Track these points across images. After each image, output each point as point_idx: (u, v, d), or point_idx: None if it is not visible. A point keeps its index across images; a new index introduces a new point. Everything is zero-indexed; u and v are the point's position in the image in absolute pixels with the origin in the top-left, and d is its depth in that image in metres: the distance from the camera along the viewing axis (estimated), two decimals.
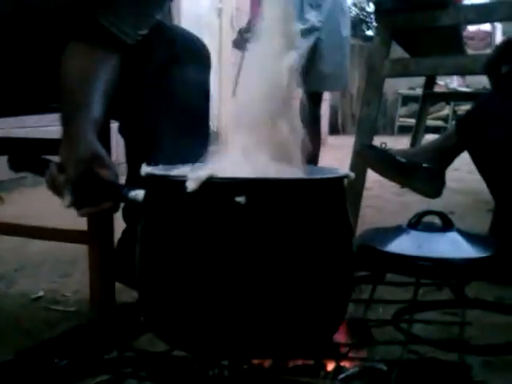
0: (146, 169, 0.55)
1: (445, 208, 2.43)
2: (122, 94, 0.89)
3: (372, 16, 9.16)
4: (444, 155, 1.42)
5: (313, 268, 0.48)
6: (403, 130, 8.55)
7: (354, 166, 1.74)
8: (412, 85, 8.60)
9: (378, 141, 1.85)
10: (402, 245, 0.66)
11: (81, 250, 1.29)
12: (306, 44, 2.11)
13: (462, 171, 3.39)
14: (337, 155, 4.99)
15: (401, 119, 9.17)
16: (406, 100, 9.01)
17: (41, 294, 1.20)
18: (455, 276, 0.64)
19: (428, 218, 0.77)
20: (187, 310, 0.50)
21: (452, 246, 0.65)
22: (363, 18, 9.15)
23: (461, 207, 2.59)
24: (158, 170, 0.54)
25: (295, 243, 0.47)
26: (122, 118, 1.04)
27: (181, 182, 0.47)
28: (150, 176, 0.54)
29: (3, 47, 0.99)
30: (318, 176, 0.51)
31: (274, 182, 0.47)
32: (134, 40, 0.92)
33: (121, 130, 1.06)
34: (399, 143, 5.69)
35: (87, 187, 0.66)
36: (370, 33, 9.31)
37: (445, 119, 8.66)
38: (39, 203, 2.31)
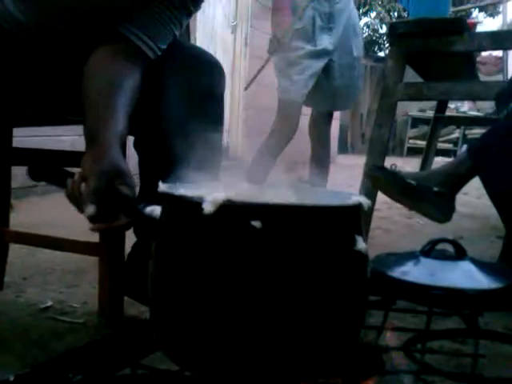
0: (163, 187, 0.56)
1: (454, 233, 2.43)
2: (139, 109, 0.91)
3: (384, 37, 9.23)
4: (455, 180, 1.42)
5: (327, 294, 0.48)
6: (412, 151, 8.55)
7: (364, 188, 1.75)
8: (422, 107, 8.62)
9: (387, 162, 1.86)
10: (415, 272, 0.66)
11: (89, 260, 1.30)
12: (317, 65, 2.13)
13: (471, 196, 3.38)
14: (346, 175, 4.99)
15: (410, 141, 9.18)
16: (416, 122, 9.02)
17: (49, 303, 1.20)
18: (468, 306, 0.64)
19: (441, 245, 0.77)
20: (198, 331, 0.50)
21: (465, 276, 0.65)
22: (375, 39, 9.21)
23: (470, 232, 2.58)
24: (176, 189, 0.54)
25: (310, 269, 0.47)
26: (137, 133, 1.05)
27: (198, 203, 0.48)
28: (167, 195, 0.54)
29: (22, 60, 1.01)
30: (335, 203, 0.51)
31: (289, 207, 0.47)
32: (155, 54, 0.94)
33: (136, 145, 1.08)
34: (408, 165, 5.69)
35: (106, 202, 0.67)
36: (381, 54, 9.38)
37: (455, 142, 8.66)
38: (49, 211, 2.33)
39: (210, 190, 0.52)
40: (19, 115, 1.13)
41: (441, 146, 7.00)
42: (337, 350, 0.51)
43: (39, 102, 1.07)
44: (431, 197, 1.41)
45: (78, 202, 0.69)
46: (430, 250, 0.72)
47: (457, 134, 8.60)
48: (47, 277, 1.45)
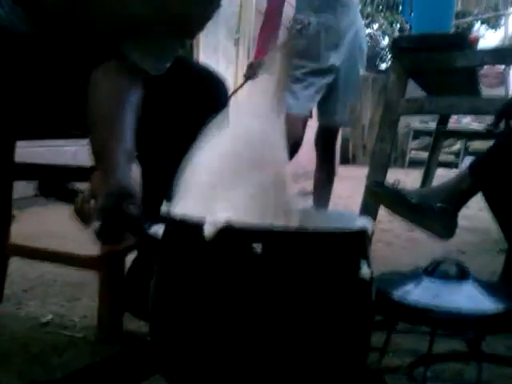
0: (165, 207, 0.55)
1: (456, 247, 2.42)
2: (142, 126, 0.91)
3: (386, 49, 9.28)
4: (457, 197, 1.42)
5: (330, 321, 0.48)
6: (414, 163, 8.55)
7: (366, 203, 1.74)
8: (424, 118, 8.65)
9: (389, 173, 1.86)
10: (418, 294, 0.66)
11: (90, 272, 1.30)
12: (323, 82, 2.13)
13: (473, 209, 3.37)
14: (348, 186, 4.99)
15: (412, 152, 9.19)
16: (418, 133, 9.04)
17: (49, 317, 1.20)
18: (471, 329, 0.63)
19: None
20: (198, 356, 0.50)
21: (468, 298, 0.65)
22: (378, 51, 9.26)
23: (472, 246, 2.57)
24: (177, 209, 0.54)
25: (313, 296, 0.47)
26: (139, 148, 1.05)
27: (198, 226, 0.48)
28: (169, 217, 0.54)
29: (25, 73, 1.01)
30: (340, 228, 0.51)
31: (292, 233, 0.47)
32: (158, 72, 0.94)
33: (138, 159, 1.08)
34: (410, 177, 5.68)
35: (113, 220, 0.67)
36: (383, 65, 9.42)
37: (456, 154, 8.66)
38: (50, 222, 2.33)
39: (212, 210, 0.52)
40: (21, 129, 1.14)
41: (442, 157, 7.01)
42: (341, 375, 0.51)
43: (42, 116, 1.07)
44: (434, 213, 1.41)
45: (85, 218, 0.69)
46: (434, 270, 0.72)
47: (458, 145, 8.61)
48: (48, 289, 1.45)
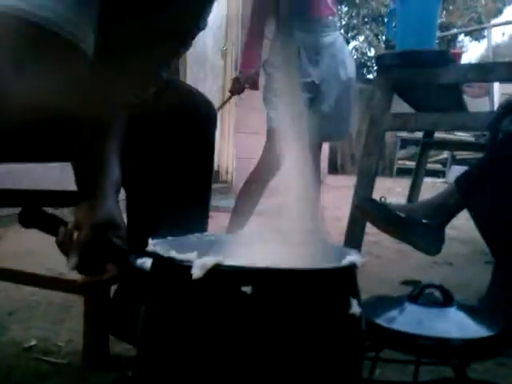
0: (152, 245, 0.55)
1: (443, 258, 2.42)
2: (127, 153, 0.90)
3: (372, 60, 9.38)
4: (443, 212, 1.43)
5: (320, 360, 0.47)
6: (402, 172, 8.63)
7: (353, 218, 1.75)
8: None
9: (376, 183, 1.86)
10: (403, 320, 0.66)
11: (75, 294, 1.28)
12: (303, 96, 2.14)
13: (461, 218, 3.39)
14: (336, 196, 5.00)
15: (399, 162, 9.26)
16: (405, 143, 9.13)
17: (33, 342, 1.17)
18: (456, 356, 0.63)
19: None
20: None
21: (453, 325, 0.65)
22: (364, 62, 9.36)
23: (459, 257, 2.59)
24: (165, 247, 0.53)
25: (302, 334, 0.46)
26: (124, 175, 1.04)
27: (187, 267, 0.47)
28: (156, 255, 0.53)
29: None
30: (328, 265, 0.50)
31: (281, 272, 0.46)
32: (142, 100, 0.93)
33: (124, 187, 1.06)
34: (398, 185, 5.66)
35: (96, 253, 0.66)
36: (370, 76, 9.53)
37: (443, 163, 8.75)
38: (34, 240, 2.30)
39: (198, 248, 0.51)
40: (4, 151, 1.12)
41: (430, 166, 7.08)
42: None
43: (26, 139, 1.06)
44: (420, 229, 1.41)
45: (66, 251, 0.68)
46: (418, 296, 0.72)
47: (445, 154, 8.71)
48: (32, 311, 1.42)
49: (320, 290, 0.47)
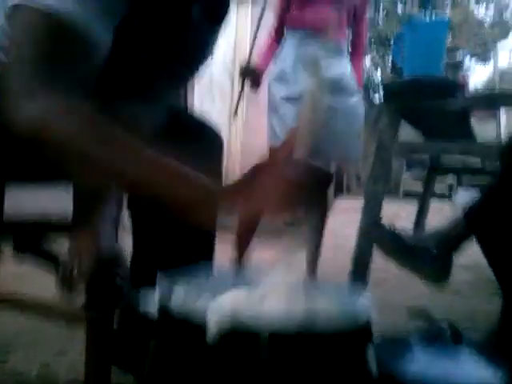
0: (158, 295, 0.53)
1: (450, 286, 2.39)
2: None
3: (378, 82, 9.44)
4: (452, 242, 1.41)
5: None
6: (408, 194, 8.58)
7: (359, 244, 1.73)
8: None
9: (384, 205, 1.83)
10: (412, 365, 0.64)
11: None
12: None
13: (467, 244, 3.35)
14: (342, 221, 4.95)
15: (406, 183, 9.23)
16: (412, 164, 9.10)
17: (35, 372, 1.16)
18: None
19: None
20: None
21: (462, 370, 0.63)
22: (369, 83, 9.41)
23: (466, 285, 2.55)
24: (174, 296, 0.51)
25: None
26: (131, 207, 1.02)
27: (201, 327, 0.45)
28: (165, 310, 0.51)
29: None
30: (346, 325, 0.48)
31: (296, 336, 0.45)
32: (149, 124, 0.93)
33: (129, 205, 1.05)
34: (404, 210, 5.59)
35: (99, 290, 0.65)
36: (376, 96, 9.57)
37: (450, 186, 8.72)
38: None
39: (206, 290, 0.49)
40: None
41: (436, 188, 7.04)
42: None
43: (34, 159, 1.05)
44: (428, 258, 1.40)
45: (71, 287, 0.67)
46: (427, 337, 0.70)
47: (451, 180, 8.68)
48: (35, 336, 1.40)
49: (338, 351, 0.46)
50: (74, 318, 1.07)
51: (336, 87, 2.11)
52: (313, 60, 0.61)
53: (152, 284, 0.92)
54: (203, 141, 0.97)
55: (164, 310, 0.51)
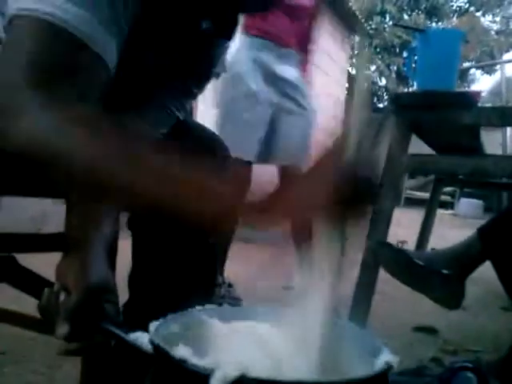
0: (154, 330, 0.48)
1: None
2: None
3: (383, 90, 9.41)
4: (465, 263, 1.36)
5: None
6: (410, 202, 8.54)
7: (365, 263, 1.67)
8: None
9: None
10: None
11: None
12: (257, 116, 2.16)
13: None
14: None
15: (408, 191, 9.19)
16: (414, 172, 9.06)
17: None
18: None
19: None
20: None
21: None
22: (375, 91, 9.38)
23: (474, 301, 2.49)
24: (173, 339, 0.46)
25: None
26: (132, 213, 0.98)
27: (204, 376, 0.40)
28: (163, 353, 0.45)
29: None
30: (364, 374, 0.43)
31: None
32: (154, 138, 0.89)
33: (129, 225, 1.01)
34: (406, 217, 5.55)
35: (86, 320, 0.60)
36: (380, 105, 9.55)
37: (452, 195, 8.68)
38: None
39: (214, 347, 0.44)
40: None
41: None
42: None
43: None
44: (439, 280, 1.34)
45: (52, 316, 0.61)
46: (450, 379, 0.64)
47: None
48: (28, 350, 1.36)
49: None
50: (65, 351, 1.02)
51: (291, 88, 2.22)
52: (362, 56, 0.55)
53: (149, 306, 0.88)
54: (213, 154, 0.93)
55: (160, 349, 0.46)
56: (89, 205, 0.73)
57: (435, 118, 1.66)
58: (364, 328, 0.54)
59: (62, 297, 0.62)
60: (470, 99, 1.63)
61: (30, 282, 0.65)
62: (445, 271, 1.35)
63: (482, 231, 1.34)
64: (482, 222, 1.48)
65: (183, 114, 0.96)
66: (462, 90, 2.06)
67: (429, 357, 1.59)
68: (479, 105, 1.76)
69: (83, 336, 0.60)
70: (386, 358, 0.44)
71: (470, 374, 0.66)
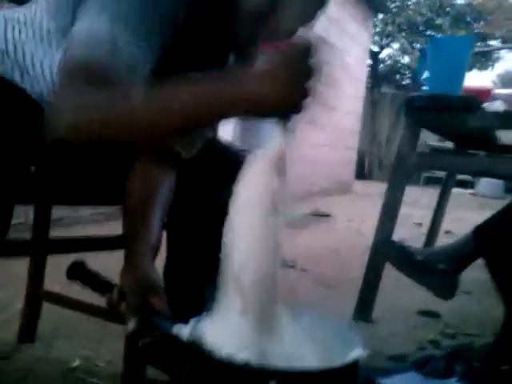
0: (189, 333, 0.64)
1: (462, 287, 2.45)
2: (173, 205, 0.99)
3: (406, 67, 9.32)
4: (460, 259, 1.50)
5: None
6: (430, 181, 8.55)
7: (372, 258, 1.82)
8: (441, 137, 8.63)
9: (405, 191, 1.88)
10: None
11: None
12: None
13: None
14: (362, 207, 4.93)
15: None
16: (435, 152, 9.03)
17: (77, 363, 1.30)
18: None
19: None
20: None
21: None
22: (397, 68, 9.29)
23: (477, 286, 2.58)
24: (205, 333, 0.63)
25: None
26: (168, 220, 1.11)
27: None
28: (193, 344, 0.62)
29: None
30: (337, 363, 0.60)
31: (303, 373, 0.56)
32: (190, 155, 0.99)
33: (166, 226, 1.15)
34: (425, 196, 5.54)
35: (144, 318, 0.76)
36: (403, 82, 9.46)
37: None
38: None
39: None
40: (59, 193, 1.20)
41: (459, 176, 6.99)
42: None
43: (81, 183, 1.14)
44: (436, 273, 1.49)
45: (118, 313, 0.79)
46: (423, 365, 0.81)
47: None
48: (76, 327, 1.52)
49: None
50: (114, 317, 1.20)
51: None
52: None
53: (183, 299, 1.02)
54: (231, 164, 1.06)
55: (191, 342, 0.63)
56: (137, 217, 0.88)
57: (444, 119, 1.78)
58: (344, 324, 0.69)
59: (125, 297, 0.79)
60: (473, 103, 1.73)
61: (95, 282, 0.84)
62: (441, 266, 1.50)
63: (477, 230, 1.48)
64: (503, 202, 1.56)
65: (212, 132, 1.08)
66: (473, 86, 2.11)
67: (428, 339, 1.73)
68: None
69: (146, 332, 0.77)
70: (357, 351, 0.60)
71: (440, 362, 0.82)
